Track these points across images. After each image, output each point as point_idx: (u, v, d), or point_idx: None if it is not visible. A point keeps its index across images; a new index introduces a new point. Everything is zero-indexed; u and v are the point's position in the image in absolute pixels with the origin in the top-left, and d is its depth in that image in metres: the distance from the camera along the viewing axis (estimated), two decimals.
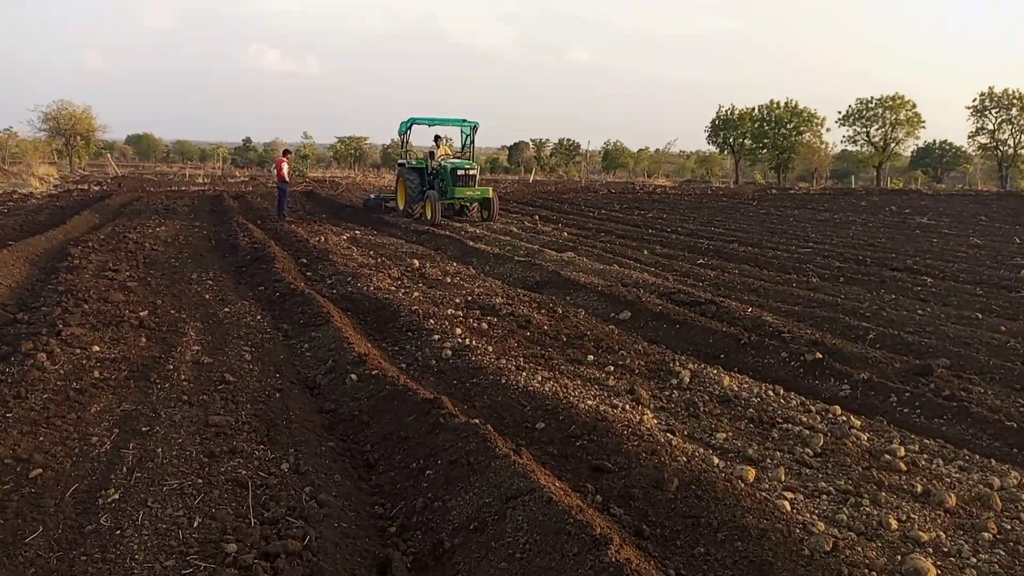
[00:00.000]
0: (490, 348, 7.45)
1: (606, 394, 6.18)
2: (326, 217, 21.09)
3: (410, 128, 20.83)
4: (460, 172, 19.04)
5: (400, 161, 21.75)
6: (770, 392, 6.38)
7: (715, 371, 6.94)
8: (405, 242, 16.07)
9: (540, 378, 6.46)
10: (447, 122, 21.06)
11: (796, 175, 62.61)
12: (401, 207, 20.72)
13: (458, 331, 7.99)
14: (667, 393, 6.36)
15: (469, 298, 9.95)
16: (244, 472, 4.67)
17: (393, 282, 11.02)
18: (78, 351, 6.90)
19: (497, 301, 9.72)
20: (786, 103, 57.46)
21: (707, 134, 61.94)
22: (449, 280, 11.38)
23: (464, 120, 20.77)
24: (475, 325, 8.43)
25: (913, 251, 15.79)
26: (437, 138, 20.67)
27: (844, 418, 5.75)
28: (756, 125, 58.69)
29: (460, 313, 8.98)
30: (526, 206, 26.11)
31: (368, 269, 11.98)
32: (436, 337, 7.75)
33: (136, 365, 6.70)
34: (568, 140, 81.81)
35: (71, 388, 5.94)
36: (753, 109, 59.59)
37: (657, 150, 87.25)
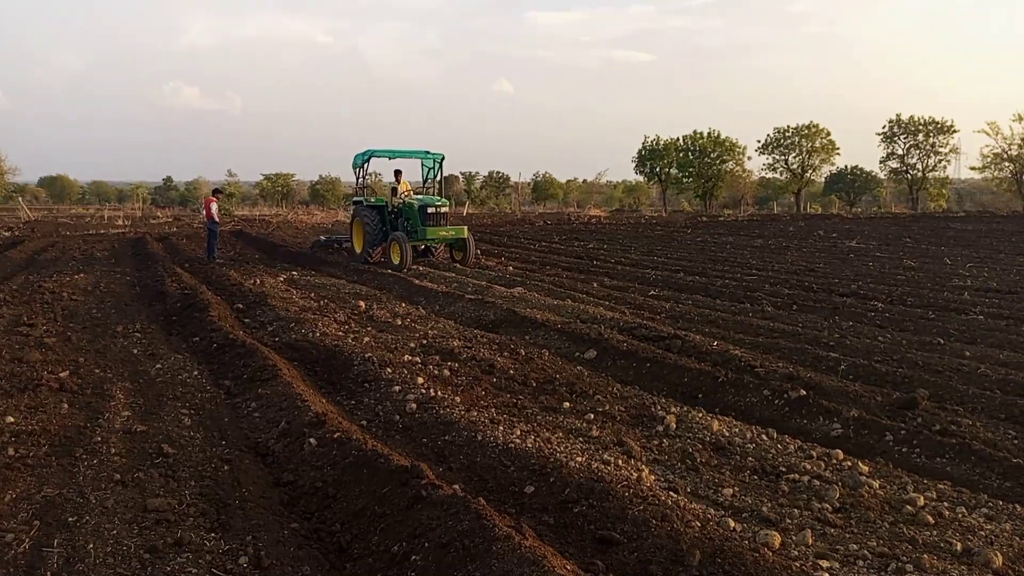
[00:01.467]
0: (457, 399, 6.88)
1: (594, 448, 5.68)
2: (259, 258, 20.10)
3: (367, 161, 18.52)
4: (431, 210, 17.06)
5: (356, 198, 19.49)
6: (763, 436, 6.01)
7: (700, 414, 6.56)
8: (347, 282, 15.33)
9: (519, 432, 5.91)
10: (409, 154, 19.02)
11: (721, 202, 64.21)
12: (359, 250, 18.47)
13: (420, 380, 7.40)
14: (656, 443, 5.90)
15: (424, 341, 9.37)
16: (195, 571, 3.95)
17: (340, 327, 10.33)
18: None
19: (455, 344, 9.17)
20: (709, 133, 59.00)
21: (634, 164, 63.02)
22: (400, 322, 10.76)
23: (427, 152, 18.77)
24: (436, 372, 7.85)
25: (854, 275, 15.94)
26: (398, 173, 18.94)
27: (849, 463, 5.38)
28: (681, 154, 60.00)
29: (418, 359, 8.38)
30: None
31: (311, 313, 11.24)
32: (397, 388, 7.14)
33: (58, 438, 5.85)
34: (498, 172, 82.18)
35: None
36: (678, 139, 60.98)
37: (585, 180, 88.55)
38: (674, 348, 8.99)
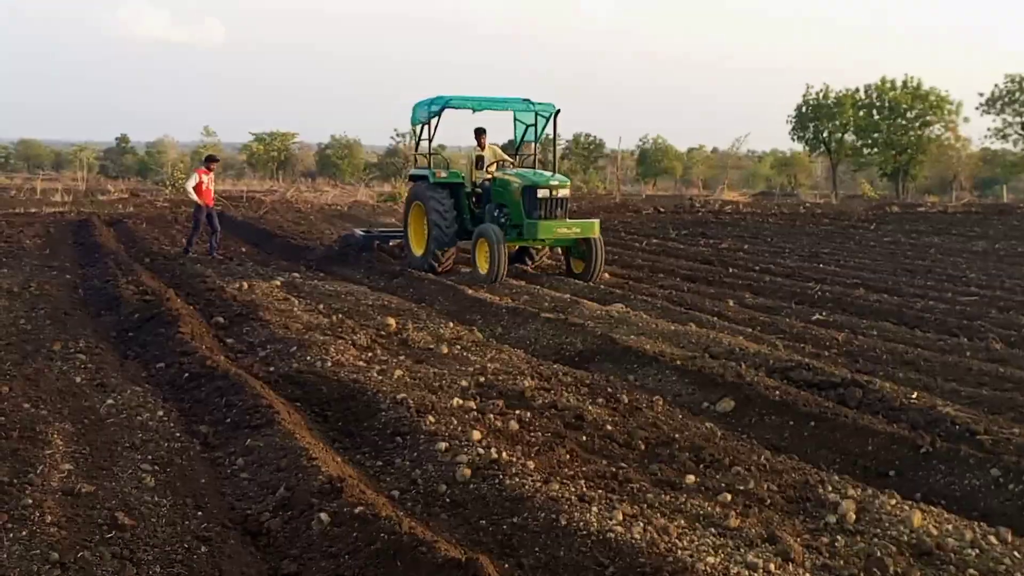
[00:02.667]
0: (530, 464, 6.94)
1: (733, 544, 5.66)
2: (247, 252, 20.70)
3: (439, 114, 17.80)
4: (542, 192, 16.14)
5: (415, 171, 18.91)
6: (991, 539, 5.89)
7: (892, 501, 6.46)
8: (370, 289, 15.66)
9: (620, 516, 5.93)
10: (503, 104, 18.13)
11: (921, 185, 62.93)
12: (419, 252, 17.70)
13: (475, 435, 7.49)
14: (827, 540, 5.84)
15: (481, 379, 9.50)
16: None
17: (361, 353, 10.56)
18: None
19: (526, 384, 9.27)
20: (905, 82, 58.02)
21: (790, 126, 62.49)
22: (446, 350, 10.92)
23: (529, 102, 17.73)
24: (499, 425, 7.94)
25: None
26: (481, 132, 18.09)
27: None
28: (862, 113, 59.19)
29: (473, 405, 8.49)
30: None
31: (320, 333, 11.51)
32: (442, 446, 7.24)
33: None
34: (587, 136, 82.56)
35: None
36: (855, 91, 60.20)
37: (716, 150, 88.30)
38: (851, 401, 8.91)
